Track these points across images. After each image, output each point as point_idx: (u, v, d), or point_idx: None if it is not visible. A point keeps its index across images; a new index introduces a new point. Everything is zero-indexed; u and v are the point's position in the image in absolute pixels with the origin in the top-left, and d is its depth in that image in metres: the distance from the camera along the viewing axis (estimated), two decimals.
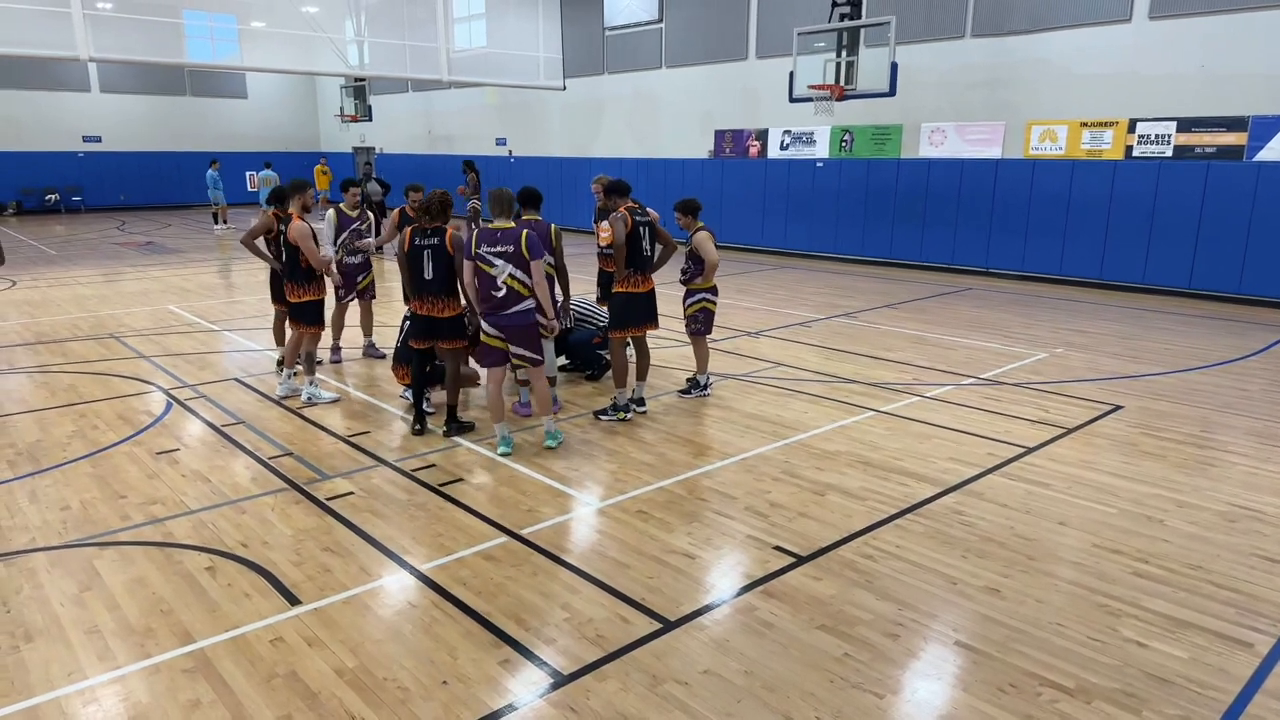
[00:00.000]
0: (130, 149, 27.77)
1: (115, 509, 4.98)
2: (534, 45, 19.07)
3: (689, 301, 7.20)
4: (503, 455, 5.83)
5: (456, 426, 6.28)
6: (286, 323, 7.94)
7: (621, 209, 6.52)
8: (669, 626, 3.75)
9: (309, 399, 7.05)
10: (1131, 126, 12.77)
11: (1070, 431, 6.45)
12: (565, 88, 19.09)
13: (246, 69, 25.43)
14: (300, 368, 7.20)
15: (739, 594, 4.05)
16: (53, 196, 26.40)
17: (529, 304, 5.72)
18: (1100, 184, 13.14)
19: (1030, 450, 6.03)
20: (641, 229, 6.50)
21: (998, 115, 14.26)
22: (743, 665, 3.48)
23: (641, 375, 6.88)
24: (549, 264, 6.33)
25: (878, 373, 8.17)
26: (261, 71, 26.27)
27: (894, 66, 12.65)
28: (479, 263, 5.63)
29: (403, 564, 4.33)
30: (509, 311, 5.68)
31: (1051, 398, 7.35)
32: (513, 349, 5.77)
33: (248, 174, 21.46)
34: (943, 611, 3.91)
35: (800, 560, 4.37)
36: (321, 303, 6.99)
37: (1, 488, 5.30)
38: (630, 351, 6.93)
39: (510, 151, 24.20)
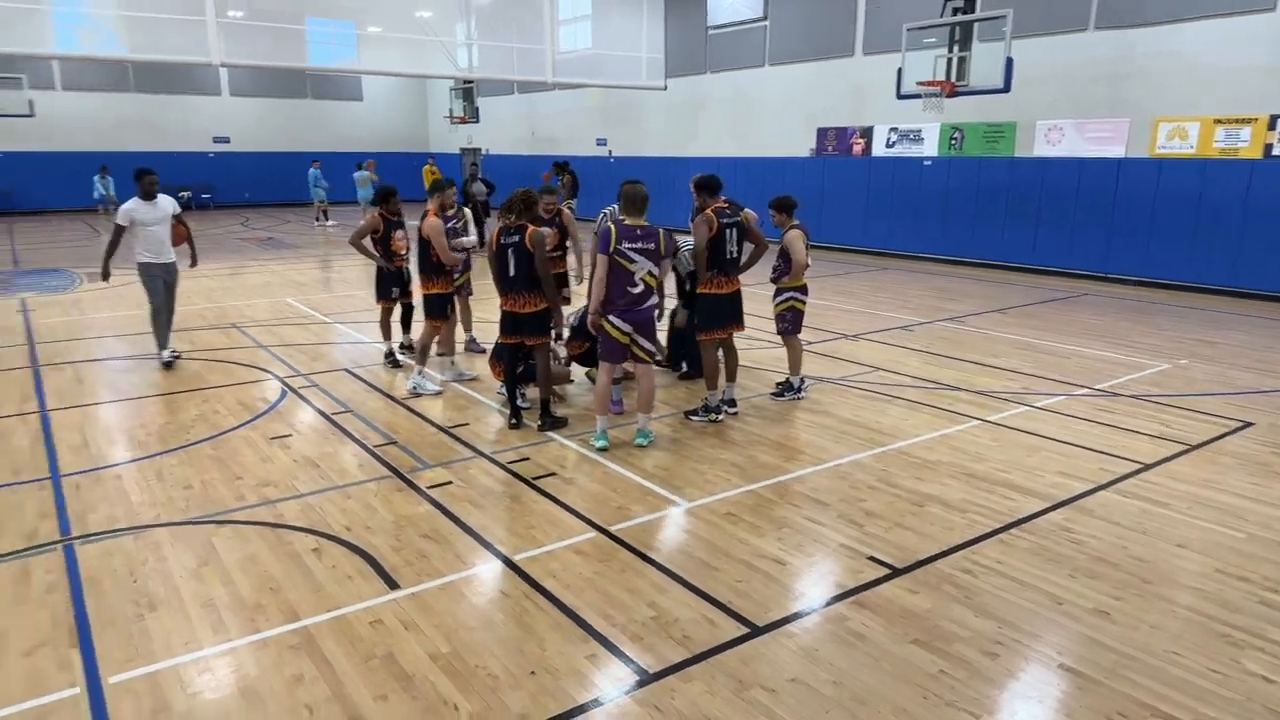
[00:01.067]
0: (255, 149, 29.42)
1: (232, 489, 5.28)
2: (637, 46, 19.16)
3: (778, 300, 7.11)
4: (600, 450, 5.89)
5: (550, 421, 6.38)
6: (391, 317, 8.31)
7: (709, 209, 6.44)
8: (756, 632, 3.71)
9: (414, 388, 7.33)
10: (1272, 123, 11.86)
11: (1193, 448, 6.04)
12: (666, 87, 19.12)
13: (363, 72, 26.59)
14: (446, 358, 7.77)
15: (830, 603, 3.97)
16: (185, 194, 28.20)
17: (655, 299, 5.89)
18: (1235, 184, 12.26)
19: (1148, 467, 5.68)
20: (728, 230, 6.40)
21: (1121, 111, 13.50)
22: (832, 676, 3.40)
23: (731, 376, 6.82)
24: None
25: (983, 380, 7.86)
26: (377, 75, 27.42)
27: (1009, 61, 12.12)
28: (619, 258, 5.71)
29: (496, 553, 4.43)
30: (643, 307, 5.82)
31: (1173, 411, 6.91)
32: (642, 343, 5.87)
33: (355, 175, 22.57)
34: (1046, 632, 3.73)
35: (896, 572, 4.25)
36: (446, 296, 7.42)
37: (133, 466, 5.70)
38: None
39: (610, 152, 24.44)
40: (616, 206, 7.66)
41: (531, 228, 6.16)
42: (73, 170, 25.80)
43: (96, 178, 24.82)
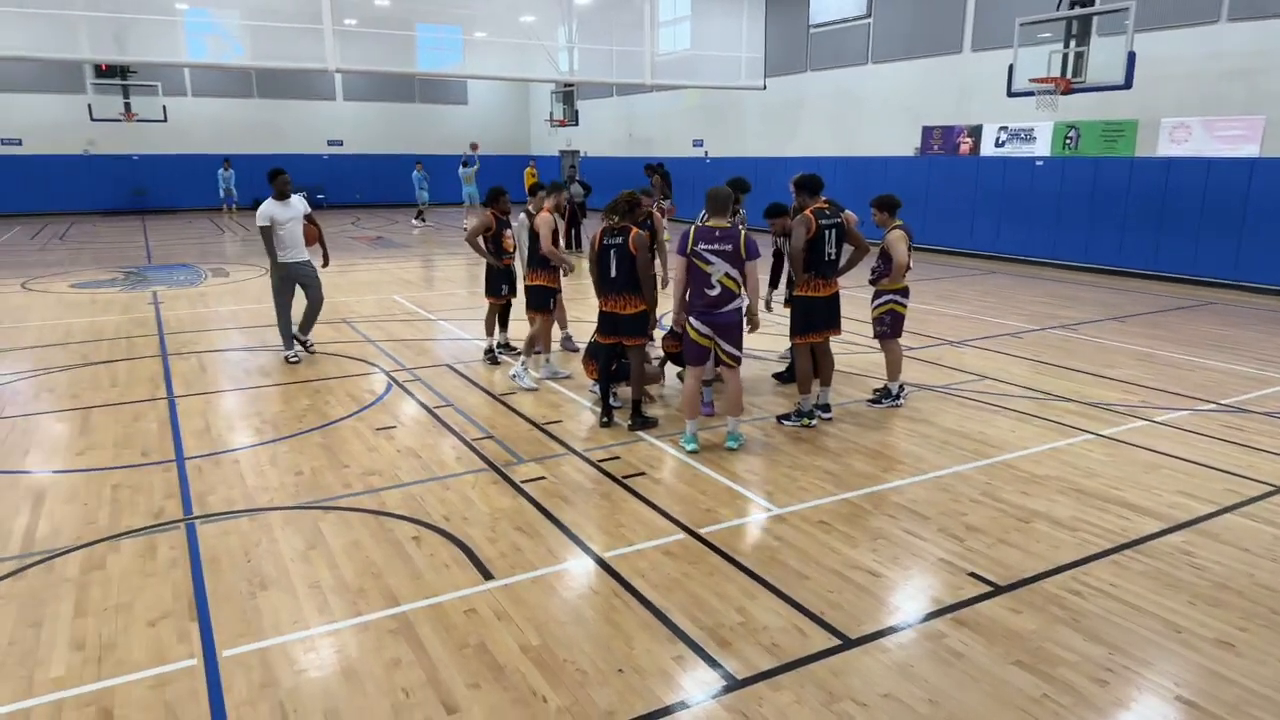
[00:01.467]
0: (366, 151, 30.67)
1: (339, 477, 5.51)
2: (737, 46, 19.06)
3: (876, 303, 6.94)
4: (690, 453, 5.88)
5: (640, 421, 6.41)
6: (498, 316, 8.54)
7: (808, 210, 6.33)
8: (848, 644, 3.62)
9: (514, 376, 7.59)
10: None
11: None
12: (765, 87, 18.95)
13: (468, 76, 27.34)
14: (542, 355, 7.89)
15: (927, 619, 3.84)
16: (301, 194, 29.64)
17: (739, 302, 5.79)
18: None
19: (1279, 490, 5.29)
20: (827, 231, 6.28)
21: (1256, 108, 12.59)
22: (927, 694, 3.29)
23: (825, 380, 6.70)
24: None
25: (1098, 392, 7.47)
26: (482, 79, 28.14)
27: (1131, 56, 11.47)
28: (696, 259, 5.68)
29: (586, 550, 4.47)
30: (722, 310, 5.75)
31: None
32: (724, 346, 5.82)
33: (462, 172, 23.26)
34: (1161, 661, 3.51)
35: (998, 590, 4.08)
36: (550, 291, 7.64)
37: (250, 451, 6.03)
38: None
39: (706, 153, 24.38)
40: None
41: (635, 230, 6.19)
42: (200, 171, 27.52)
43: (220, 170, 26.38)
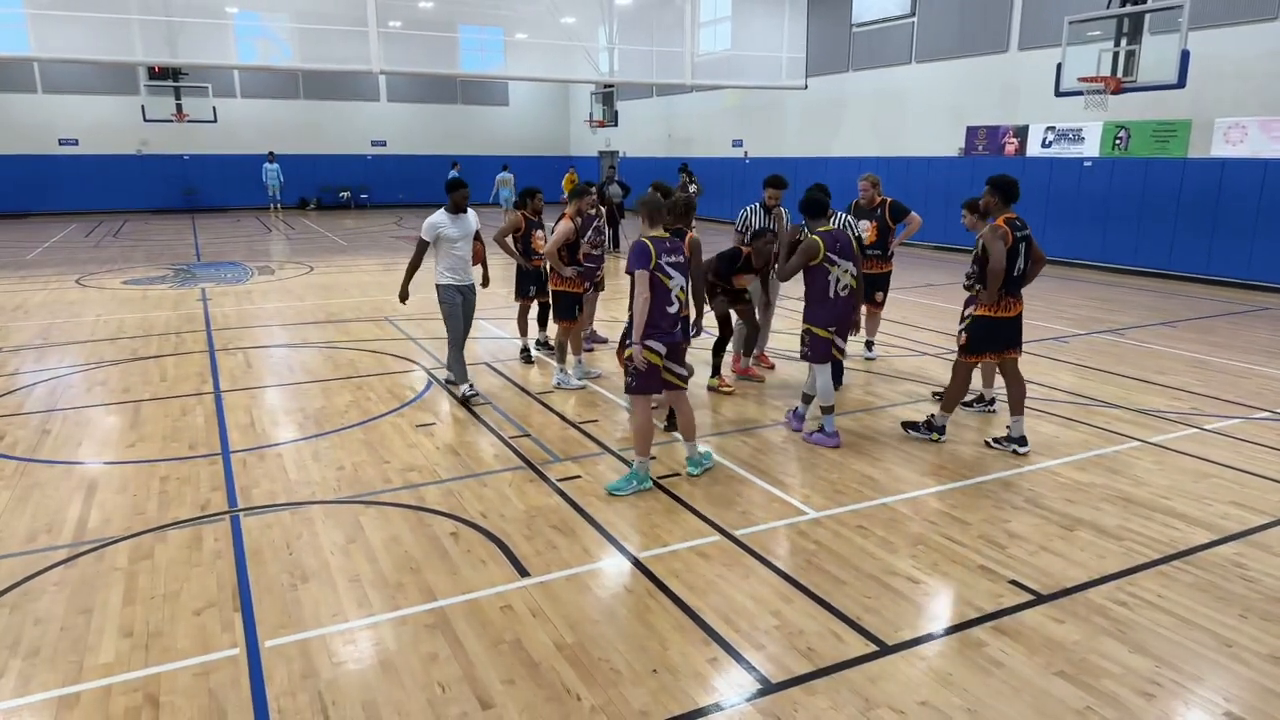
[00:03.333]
0: (409, 152, 31.06)
1: (379, 472, 5.59)
2: (778, 45, 18.96)
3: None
4: (645, 488, 5.29)
5: (674, 423, 6.35)
6: (528, 315, 8.57)
7: (1000, 221, 5.71)
8: (885, 650, 3.58)
9: (558, 384, 7.59)
10: None
11: None
12: (807, 87, 18.80)
13: (510, 78, 27.56)
14: (573, 357, 7.77)
15: (966, 626, 3.78)
16: (345, 194, 30.14)
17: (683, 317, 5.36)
18: None
19: None
20: (1021, 245, 5.73)
21: None
22: (966, 702, 3.24)
23: (1017, 408, 5.99)
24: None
25: (1146, 398, 7.29)
26: (523, 80, 28.35)
27: (1184, 55, 11.17)
28: (660, 274, 5.10)
29: (621, 550, 4.48)
30: (678, 328, 5.27)
31: None
32: (675, 369, 5.28)
33: (497, 177, 23.45)
34: (1211, 676, 3.41)
35: (1040, 599, 4.00)
36: (575, 297, 7.58)
37: (292, 446, 6.14)
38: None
39: (746, 153, 24.28)
40: (757, 203, 7.61)
41: (691, 233, 6.11)
42: (248, 171, 28.11)
43: (266, 163, 26.86)
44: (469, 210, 7.10)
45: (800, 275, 5.99)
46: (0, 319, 10.65)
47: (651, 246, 5.10)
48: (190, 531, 4.71)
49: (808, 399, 6.37)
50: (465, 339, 7.25)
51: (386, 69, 15.28)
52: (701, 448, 5.71)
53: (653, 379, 5.23)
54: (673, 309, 5.19)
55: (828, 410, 6.11)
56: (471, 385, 7.22)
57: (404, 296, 7.22)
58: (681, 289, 5.23)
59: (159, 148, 27.75)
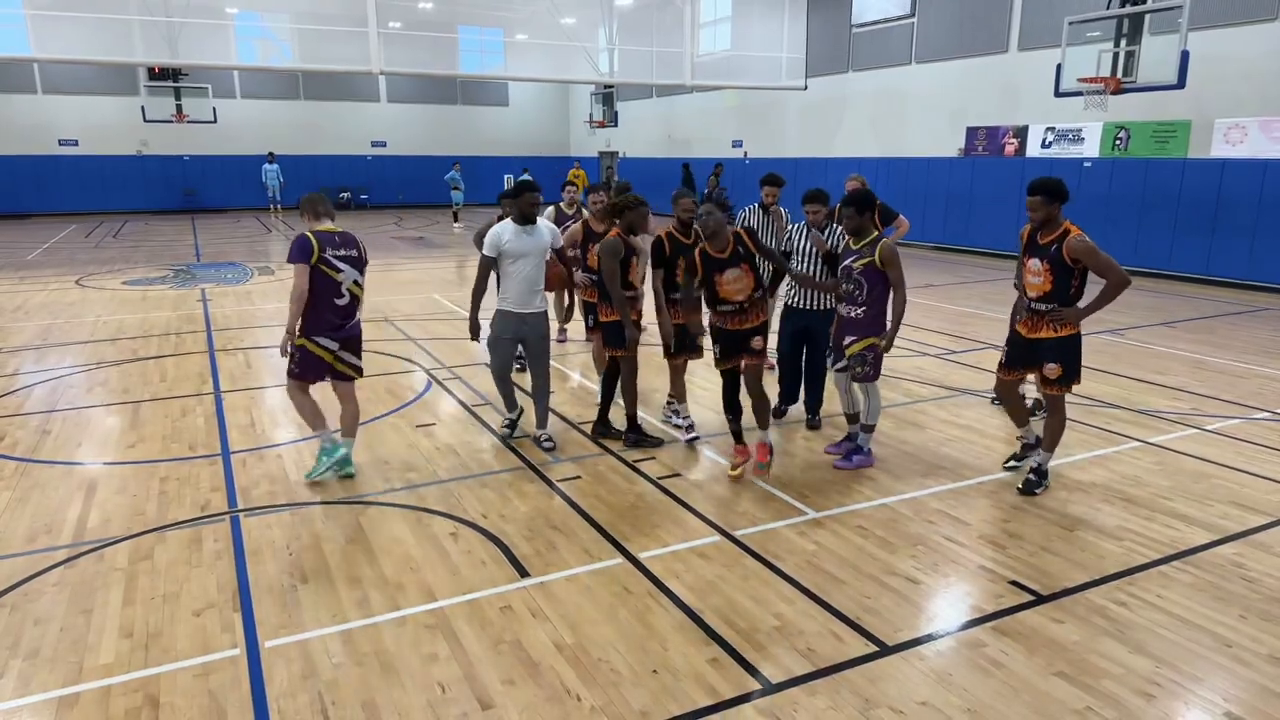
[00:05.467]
0: (409, 153, 31.05)
1: (379, 473, 5.59)
2: (778, 46, 18.98)
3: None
4: (335, 470, 5.42)
5: (635, 438, 6.02)
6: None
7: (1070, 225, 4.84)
8: (885, 651, 3.58)
9: (666, 419, 6.62)
10: None
11: None
12: (806, 87, 18.81)
13: (510, 78, 27.57)
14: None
15: (966, 627, 3.78)
16: (345, 195, 30.12)
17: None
18: None
19: None
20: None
21: None
22: (965, 703, 3.24)
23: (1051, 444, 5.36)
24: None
25: (1147, 399, 7.29)
26: (523, 81, 28.36)
27: (1184, 55, 11.18)
28: (325, 268, 5.13)
29: (622, 550, 4.48)
30: (354, 321, 5.40)
31: None
32: (347, 359, 5.39)
33: (506, 176, 23.46)
34: (1211, 676, 3.41)
35: (1040, 599, 4.00)
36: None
37: (292, 447, 6.14)
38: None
39: (745, 153, 24.29)
40: (756, 203, 7.61)
41: (616, 230, 5.83)
42: (248, 172, 28.09)
43: (266, 164, 26.84)
44: (540, 221, 5.75)
45: (868, 286, 5.42)
46: (0, 320, 10.65)
47: (314, 240, 5.15)
48: (190, 532, 4.71)
49: (860, 422, 5.69)
50: (544, 385, 5.99)
51: (387, 70, 15.29)
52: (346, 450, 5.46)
53: (315, 366, 5.34)
54: (342, 301, 5.27)
55: (871, 430, 5.70)
56: (513, 420, 6.19)
57: (474, 330, 5.92)
58: (355, 283, 5.29)
59: (159, 148, 27.74)
